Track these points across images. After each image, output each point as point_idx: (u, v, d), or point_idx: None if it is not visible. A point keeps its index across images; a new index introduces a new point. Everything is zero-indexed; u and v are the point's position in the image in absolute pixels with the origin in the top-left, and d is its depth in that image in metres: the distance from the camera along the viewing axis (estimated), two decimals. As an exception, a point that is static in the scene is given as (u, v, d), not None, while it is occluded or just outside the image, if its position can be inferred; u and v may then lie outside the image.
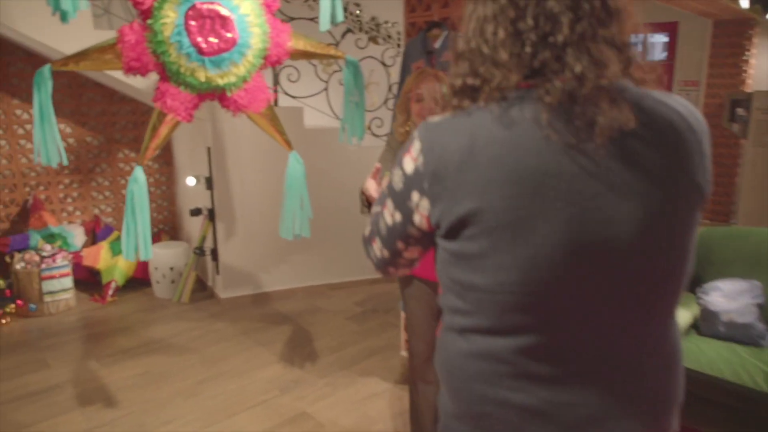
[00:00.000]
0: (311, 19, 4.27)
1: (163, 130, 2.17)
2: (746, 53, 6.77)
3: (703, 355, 2.59)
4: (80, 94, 4.75)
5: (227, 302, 4.35)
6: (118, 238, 4.62)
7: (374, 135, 4.47)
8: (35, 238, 4.42)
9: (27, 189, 4.66)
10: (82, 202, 4.91)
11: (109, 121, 4.91)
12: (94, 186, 4.91)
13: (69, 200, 4.85)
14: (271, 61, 2.30)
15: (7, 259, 4.23)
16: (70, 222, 4.83)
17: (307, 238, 2.58)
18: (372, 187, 1.64)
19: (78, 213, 4.90)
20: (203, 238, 4.36)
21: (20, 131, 4.56)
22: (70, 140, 4.78)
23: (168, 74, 2.09)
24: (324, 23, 2.30)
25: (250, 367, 3.35)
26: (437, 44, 2.79)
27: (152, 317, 4.09)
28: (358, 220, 4.80)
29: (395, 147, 2.15)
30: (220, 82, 2.14)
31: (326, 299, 4.49)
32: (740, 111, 6.57)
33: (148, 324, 3.96)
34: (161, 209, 5.26)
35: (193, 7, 2.02)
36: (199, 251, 4.33)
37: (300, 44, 2.36)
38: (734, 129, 6.73)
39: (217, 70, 2.11)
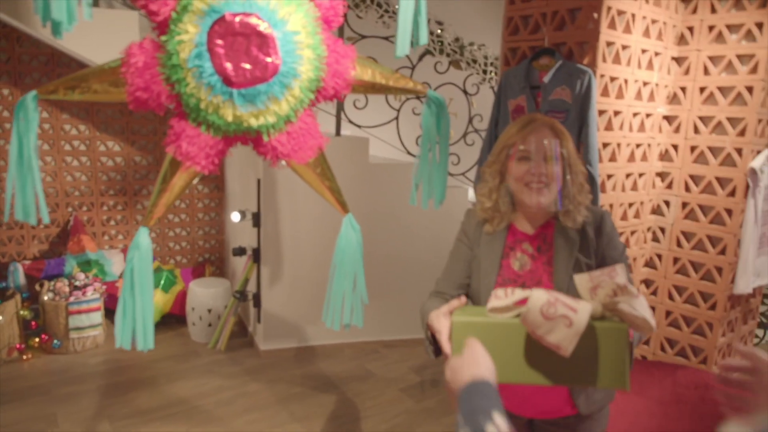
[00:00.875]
0: (386, 38, 3.78)
1: (177, 183, 1.63)
2: None
3: None
4: (131, 111, 4.40)
5: (267, 355, 3.81)
6: (158, 269, 4.20)
7: (449, 174, 3.84)
8: (71, 264, 4.07)
9: (69, 209, 4.33)
10: (126, 226, 4.54)
11: (160, 141, 4.53)
12: (139, 209, 4.53)
13: (112, 223, 4.50)
14: (326, 96, 1.73)
15: (37, 287, 3.88)
16: (111, 247, 4.47)
17: (364, 302, 1.99)
18: (442, 328, 1.29)
19: (120, 237, 4.53)
20: (245, 281, 3.85)
21: (67, 147, 4.25)
22: (118, 159, 4.43)
23: (185, 110, 1.55)
24: (402, 47, 1.71)
25: (281, 452, 2.78)
26: (546, 78, 2.14)
27: (182, 367, 3.60)
28: (421, 270, 4.19)
29: (473, 235, 1.56)
30: (254, 123, 1.58)
31: (378, 361, 3.87)
32: None
33: (176, 376, 3.47)
34: (208, 237, 4.83)
35: (221, 20, 1.47)
36: (240, 296, 3.82)
37: (367, 74, 1.78)
38: None
39: (251, 106, 1.55)
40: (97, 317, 3.83)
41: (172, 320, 4.22)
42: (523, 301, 1.18)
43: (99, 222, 4.43)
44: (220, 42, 1.49)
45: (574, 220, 1.44)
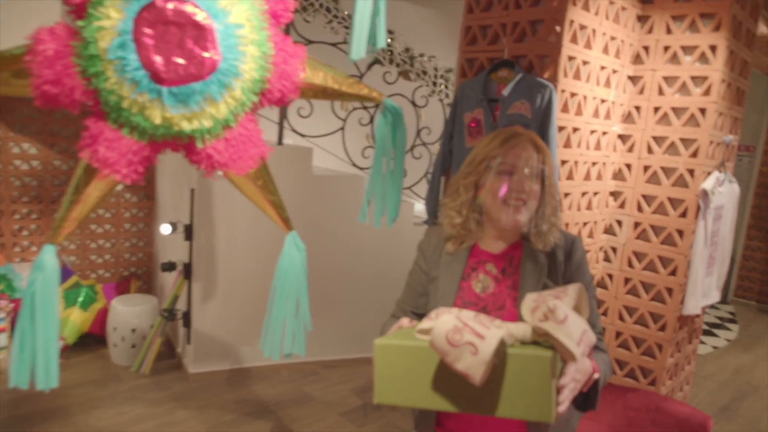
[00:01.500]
0: (334, 45, 3.61)
1: (93, 193, 1.39)
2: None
3: None
4: (51, 111, 4.01)
5: (197, 378, 3.52)
6: (77, 284, 3.82)
7: (394, 188, 3.70)
8: (-27, 279, 3.63)
9: (-26, 217, 3.89)
10: (40, 237, 4.12)
11: (82, 144, 4.16)
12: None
13: (25, 233, 4.07)
14: (272, 99, 1.54)
15: (-68, 305, 3.43)
16: (23, 260, 4.04)
17: (308, 329, 1.79)
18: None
19: (34, 249, 4.10)
20: (175, 298, 3.55)
21: (-28, 148, 3.81)
22: (34, 162, 4.03)
23: (104, 109, 1.32)
24: (357, 49, 1.54)
25: (211, 490, 2.51)
26: (505, 91, 2.03)
27: (100, 394, 3.25)
28: (364, 285, 4.01)
29: (431, 256, 1.44)
30: (187, 127, 1.37)
31: (317, 383, 3.65)
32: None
33: (93, 404, 3.13)
34: (135, 250, 4.46)
35: (151, 6, 1.26)
36: (168, 314, 3.52)
37: (318, 77, 1.60)
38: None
39: (183, 108, 1.34)
40: (3, 339, 3.42)
41: (91, 341, 3.84)
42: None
43: (9, 232, 4.00)
44: (148, 31, 1.27)
45: (545, 243, 1.33)
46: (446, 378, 1.10)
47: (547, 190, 1.32)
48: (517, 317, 1.25)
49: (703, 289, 2.57)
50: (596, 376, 1.20)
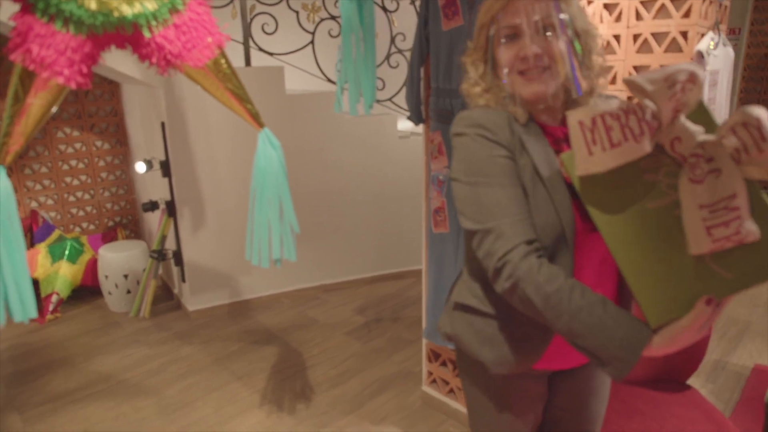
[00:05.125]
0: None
1: (36, 102, 1.24)
2: (800, -7, 5.84)
3: None
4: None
5: (198, 316, 3.48)
6: (60, 239, 3.71)
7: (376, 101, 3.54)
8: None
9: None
10: (16, 195, 3.96)
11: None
12: (28, 174, 3.96)
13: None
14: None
15: None
16: None
17: (295, 231, 1.69)
18: None
19: (10, 207, 3.96)
20: (162, 238, 3.46)
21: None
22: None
23: (28, -1, 1.16)
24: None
25: (225, 415, 2.51)
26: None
27: (101, 341, 3.21)
28: (354, 206, 3.91)
29: (509, 133, 1.05)
30: (128, 11, 1.21)
31: (320, 307, 3.63)
32: (792, 61, 5.68)
33: (95, 352, 3.09)
34: (117, 199, 4.33)
35: None
36: (158, 255, 3.43)
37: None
38: (784, 82, 5.85)
39: (120, -11, 1.18)
40: (-7, 298, 3.34)
41: (85, 293, 3.79)
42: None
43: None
44: None
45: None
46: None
47: (580, 40, 1.06)
48: None
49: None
50: None
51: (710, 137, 0.85)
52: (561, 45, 1.03)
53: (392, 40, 3.74)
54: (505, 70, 1.07)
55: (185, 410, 2.55)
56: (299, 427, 2.42)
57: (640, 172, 0.89)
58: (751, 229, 0.82)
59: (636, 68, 2.40)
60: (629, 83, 0.91)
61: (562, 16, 1.03)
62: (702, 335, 0.88)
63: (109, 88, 4.08)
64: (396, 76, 3.78)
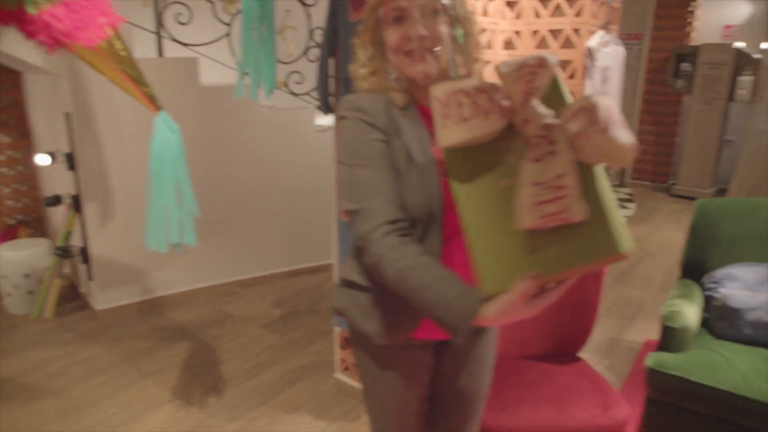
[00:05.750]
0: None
1: None
2: (691, 4, 6.33)
3: (734, 370, 1.97)
4: None
5: (106, 315, 3.35)
6: (-48, 237, 3.46)
7: (293, 93, 3.54)
8: None
9: None
10: None
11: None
12: None
13: None
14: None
15: None
16: None
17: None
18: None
19: None
20: (67, 235, 3.30)
21: None
22: None
23: None
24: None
25: (132, 413, 2.43)
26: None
27: (-2, 344, 3.03)
28: (274, 199, 3.89)
29: (386, 117, 1.12)
30: (5, -17, 1.17)
31: (236, 302, 3.58)
32: (685, 66, 6.16)
33: (-9, 355, 2.91)
34: (19, 195, 4.08)
35: None
36: (62, 252, 3.28)
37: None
38: (678, 85, 6.33)
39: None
40: None
41: (-19, 295, 3.55)
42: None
43: None
44: None
45: None
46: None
47: (461, 26, 1.14)
48: None
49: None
50: None
51: (555, 121, 0.90)
52: (444, 29, 1.11)
53: (310, 34, 3.75)
54: (393, 52, 1.12)
55: (90, 410, 2.46)
56: (210, 420, 2.39)
57: (498, 151, 0.94)
58: (577, 208, 0.85)
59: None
60: (495, 67, 0.98)
61: (445, 1, 1.11)
62: (534, 311, 0.91)
63: (10, 78, 3.84)
64: (314, 70, 3.79)
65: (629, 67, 6.82)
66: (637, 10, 6.57)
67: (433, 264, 0.99)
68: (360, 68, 1.19)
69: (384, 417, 1.36)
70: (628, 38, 6.72)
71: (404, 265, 0.99)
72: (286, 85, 3.46)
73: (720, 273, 2.34)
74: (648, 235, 5.00)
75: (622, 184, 7.03)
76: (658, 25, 6.62)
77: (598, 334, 3.09)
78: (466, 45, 1.17)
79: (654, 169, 7.04)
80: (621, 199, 6.35)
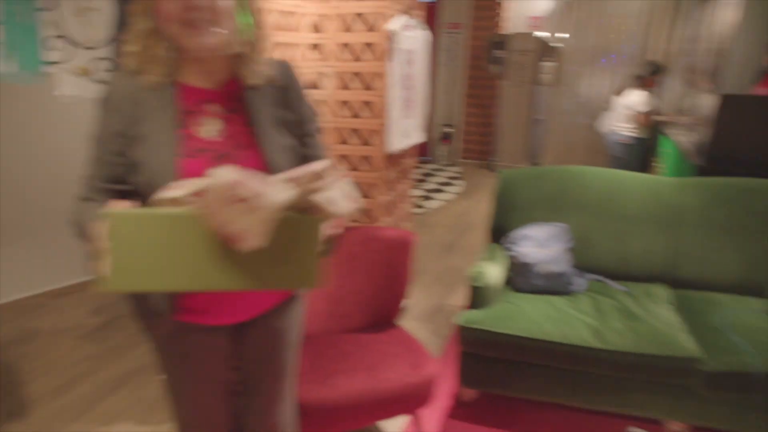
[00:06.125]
0: None
1: None
2: (501, -6, 6.88)
3: (525, 317, 2.20)
4: None
5: None
6: None
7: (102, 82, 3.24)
8: None
9: None
10: None
11: None
12: None
13: None
14: None
15: None
16: None
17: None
18: None
19: None
20: None
21: None
22: None
23: None
24: None
25: None
26: None
27: None
28: (67, 200, 3.56)
29: (129, 103, 1.13)
30: None
31: (47, 315, 3.23)
32: (498, 53, 6.71)
33: None
34: None
35: None
36: None
37: None
38: (494, 70, 6.88)
39: None
40: None
41: None
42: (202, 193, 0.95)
43: None
44: None
45: (259, 73, 1.17)
46: (203, 250, 0.96)
47: (244, 5, 1.12)
48: (263, 154, 1.15)
49: (404, 130, 2.79)
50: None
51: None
52: (226, 3, 1.07)
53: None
54: (170, 21, 1.06)
55: None
56: (9, 448, 2.13)
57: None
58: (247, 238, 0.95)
59: (342, 45, 2.59)
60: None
61: None
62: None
63: None
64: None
65: (454, 54, 7.29)
66: (459, 1, 7.01)
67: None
68: (128, 45, 1.12)
69: (180, 403, 1.32)
70: (451, 27, 7.16)
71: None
72: (87, 72, 3.16)
73: (516, 234, 2.59)
74: (472, 209, 5.39)
75: (453, 164, 7.51)
76: (477, 15, 7.12)
77: (425, 302, 3.27)
78: (247, 23, 1.14)
79: (479, 149, 7.60)
80: (452, 177, 6.78)
